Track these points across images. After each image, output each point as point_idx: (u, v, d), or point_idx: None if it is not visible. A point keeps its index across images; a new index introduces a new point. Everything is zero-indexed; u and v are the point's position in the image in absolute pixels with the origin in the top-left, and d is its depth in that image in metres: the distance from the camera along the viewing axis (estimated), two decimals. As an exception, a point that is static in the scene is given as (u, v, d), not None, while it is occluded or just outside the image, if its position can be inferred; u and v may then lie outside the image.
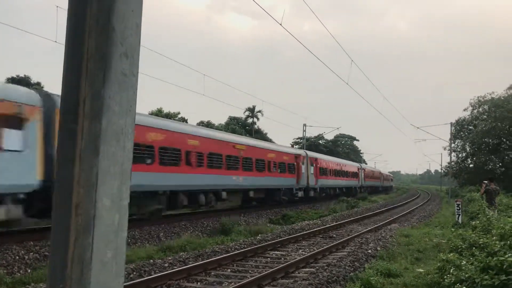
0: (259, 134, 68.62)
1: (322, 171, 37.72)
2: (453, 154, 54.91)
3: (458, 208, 20.11)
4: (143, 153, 15.77)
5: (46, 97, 12.50)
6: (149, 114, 29.65)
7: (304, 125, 53.74)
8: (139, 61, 1.73)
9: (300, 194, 33.13)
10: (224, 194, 22.19)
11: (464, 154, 55.42)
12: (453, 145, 54.51)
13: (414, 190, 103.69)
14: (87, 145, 1.60)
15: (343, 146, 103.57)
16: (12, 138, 11.01)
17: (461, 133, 56.00)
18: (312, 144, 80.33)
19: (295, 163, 31.96)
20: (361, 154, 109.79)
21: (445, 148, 62.56)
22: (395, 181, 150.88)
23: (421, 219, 26.61)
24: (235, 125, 69.60)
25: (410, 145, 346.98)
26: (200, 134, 20.29)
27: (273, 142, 45.17)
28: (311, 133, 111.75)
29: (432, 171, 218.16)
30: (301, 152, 34.31)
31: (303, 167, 33.18)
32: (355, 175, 51.42)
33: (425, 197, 61.55)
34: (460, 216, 19.83)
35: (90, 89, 1.63)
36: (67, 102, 1.66)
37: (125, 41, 1.67)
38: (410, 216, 28.75)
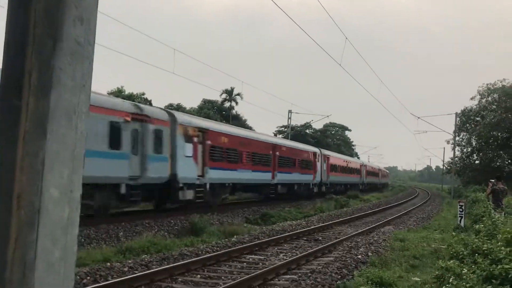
0: (238, 121, 68.49)
1: (332, 168, 46.48)
2: (457, 148, 55.64)
3: (461, 210, 20.53)
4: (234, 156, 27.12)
5: (170, 113, 21.78)
6: (108, 94, 32.83)
7: (290, 111, 54.03)
8: (96, 28, 1.69)
9: (316, 189, 40.94)
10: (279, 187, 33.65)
11: (469, 149, 56.26)
12: (457, 138, 55.12)
13: (412, 189, 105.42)
14: (33, 125, 1.56)
15: (333, 137, 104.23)
16: (159, 145, 19.89)
17: (467, 125, 56.78)
18: (298, 133, 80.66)
19: (312, 160, 40.68)
20: (353, 147, 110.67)
21: (448, 142, 63.73)
22: (391, 178, 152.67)
23: (419, 221, 27.11)
24: (210, 109, 69.57)
25: (409, 137, 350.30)
26: (256, 138, 31.00)
27: (253, 130, 48.09)
28: (298, 121, 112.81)
29: (433, 167, 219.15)
30: (317, 150, 43.23)
31: (318, 164, 41.70)
32: (357, 171, 61.10)
33: (424, 197, 62.47)
34: (463, 219, 20.26)
35: (37, 59, 1.59)
36: (10, 74, 1.62)
37: (80, 4, 1.63)
38: (406, 218, 29.35)
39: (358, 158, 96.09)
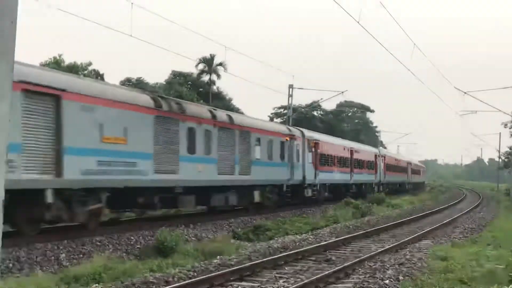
0: (220, 101, 67.55)
1: (388, 167, 65.15)
2: None
3: None
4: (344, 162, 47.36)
5: (301, 131, 38.99)
6: (41, 65, 34.97)
7: (291, 87, 53.61)
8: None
9: (376, 188, 56.54)
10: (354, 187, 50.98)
11: None
12: None
13: (457, 189, 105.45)
14: None
15: (351, 120, 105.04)
16: (298, 155, 36.32)
17: None
18: (303, 116, 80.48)
19: (374, 161, 57.72)
20: (376, 134, 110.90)
21: (506, 125, 63.10)
22: (428, 175, 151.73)
23: (467, 233, 27.27)
24: (182, 84, 68.79)
25: (452, 120, 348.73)
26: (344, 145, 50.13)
27: (242, 113, 51.70)
28: (302, 99, 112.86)
29: (485, 160, 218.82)
30: (377, 150, 60.96)
31: (378, 164, 58.44)
32: (405, 170, 78.27)
33: (474, 200, 62.17)
34: None
35: None
36: None
37: None
38: (449, 229, 29.33)
39: (385, 148, 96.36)
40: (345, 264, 16.77)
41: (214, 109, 28.85)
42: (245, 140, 29.97)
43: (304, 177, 37.70)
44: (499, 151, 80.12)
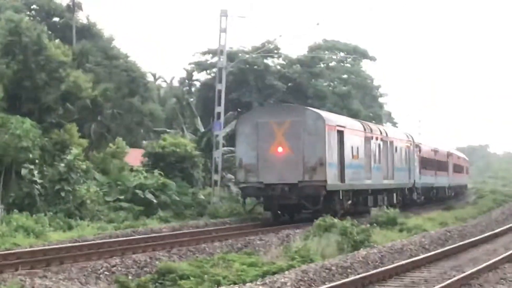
0: (92, 40, 51.96)
1: (424, 162, 56.55)
2: None
3: None
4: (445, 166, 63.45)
5: (411, 136, 51.74)
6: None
7: (224, 14, 40.63)
8: None
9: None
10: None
11: None
12: None
13: None
14: None
15: (333, 75, 78.17)
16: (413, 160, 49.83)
17: None
18: (249, 69, 65.62)
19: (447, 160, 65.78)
20: (381, 98, 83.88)
21: None
22: (475, 171, 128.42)
23: None
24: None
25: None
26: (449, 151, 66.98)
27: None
28: (245, 39, 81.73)
29: None
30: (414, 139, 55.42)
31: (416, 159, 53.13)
32: (445, 166, 65.23)
33: None
34: None
35: None
36: None
37: None
38: (510, 270, 22.15)
39: (395, 126, 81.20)
40: None
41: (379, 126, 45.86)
42: (391, 149, 43.25)
43: (414, 181, 47.71)
44: None
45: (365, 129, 39.16)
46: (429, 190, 55.88)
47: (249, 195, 34.43)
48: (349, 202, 35.80)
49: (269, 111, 37.79)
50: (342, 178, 34.17)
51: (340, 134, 34.77)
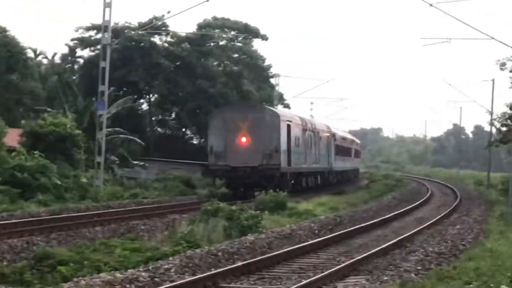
0: None
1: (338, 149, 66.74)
2: None
3: None
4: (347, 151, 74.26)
5: (328, 126, 64.93)
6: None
7: None
8: None
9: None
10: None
11: None
12: None
13: (417, 183, 77.86)
14: None
15: (223, 54, 77.20)
16: (331, 148, 61.80)
17: None
18: (136, 46, 64.81)
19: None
20: (272, 82, 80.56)
21: (502, 65, 44.32)
22: (367, 155, 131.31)
23: (430, 262, 21.27)
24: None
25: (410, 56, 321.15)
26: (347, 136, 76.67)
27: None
28: (132, 16, 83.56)
29: (468, 130, 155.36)
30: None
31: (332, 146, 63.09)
32: (349, 151, 75.30)
33: (446, 203, 47.68)
34: None
35: None
36: None
37: None
38: (400, 256, 22.84)
39: (288, 108, 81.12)
40: None
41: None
42: (318, 138, 52.66)
43: (331, 165, 57.38)
44: (491, 113, 55.49)
45: (302, 122, 48.85)
46: (341, 173, 65.95)
47: (218, 176, 41.86)
48: (292, 182, 44.70)
49: (235, 108, 45.91)
50: (289, 162, 42.96)
51: (288, 127, 43.52)
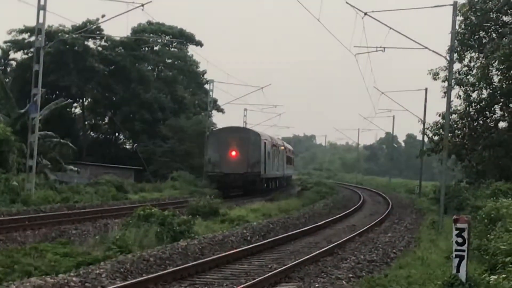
0: None
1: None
2: (457, 91, 42.95)
3: (460, 240, 17.01)
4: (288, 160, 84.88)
5: (282, 141, 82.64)
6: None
7: None
8: None
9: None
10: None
11: (485, 93, 43.19)
12: (457, 67, 42.82)
13: (351, 190, 79.88)
14: None
15: (158, 59, 77.36)
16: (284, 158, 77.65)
17: (478, 35, 43.37)
18: (69, 50, 64.31)
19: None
20: (207, 88, 76.21)
21: (435, 75, 45.54)
22: (300, 162, 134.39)
23: (362, 270, 21.59)
24: None
25: (346, 59, 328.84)
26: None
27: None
28: (65, 19, 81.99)
29: (400, 138, 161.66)
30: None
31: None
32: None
33: (378, 210, 47.68)
34: (464, 262, 16.71)
35: None
36: None
37: None
38: (332, 263, 23.07)
39: (222, 112, 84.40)
40: None
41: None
42: (277, 151, 66.25)
43: (284, 172, 71.62)
44: (423, 122, 55.36)
45: (271, 140, 63.77)
46: (287, 179, 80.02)
47: (214, 180, 53.54)
48: (265, 185, 59.88)
49: (227, 130, 57.93)
50: (265, 170, 56.17)
51: (265, 144, 57.02)
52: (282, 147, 71.12)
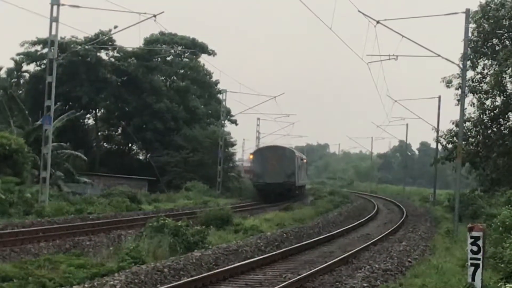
0: None
1: None
2: (471, 99, 42.86)
3: (474, 248, 16.85)
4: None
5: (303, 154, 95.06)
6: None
7: (55, 4, 38.02)
8: None
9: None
10: None
11: (498, 100, 43.31)
12: (471, 74, 42.63)
13: (364, 198, 78.39)
14: None
15: (169, 70, 76.80)
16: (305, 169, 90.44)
17: (491, 42, 43.25)
18: (81, 61, 63.97)
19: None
20: (220, 97, 75.56)
21: (448, 83, 45.95)
22: (313, 171, 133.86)
23: (376, 279, 21.15)
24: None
25: (358, 67, 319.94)
26: None
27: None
28: (77, 30, 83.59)
29: (414, 146, 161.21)
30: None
31: None
32: None
33: (392, 219, 46.84)
34: (480, 270, 16.64)
35: None
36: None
37: None
38: (346, 272, 22.80)
39: (236, 124, 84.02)
40: None
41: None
42: (303, 163, 75.30)
43: (305, 181, 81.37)
44: (437, 130, 55.20)
45: (300, 155, 73.48)
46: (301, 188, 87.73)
47: (258, 188, 63.40)
48: (297, 192, 68.04)
49: (268, 149, 68.76)
50: (297, 180, 65.63)
51: (297, 158, 66.68)
52: (305, 160, 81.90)
